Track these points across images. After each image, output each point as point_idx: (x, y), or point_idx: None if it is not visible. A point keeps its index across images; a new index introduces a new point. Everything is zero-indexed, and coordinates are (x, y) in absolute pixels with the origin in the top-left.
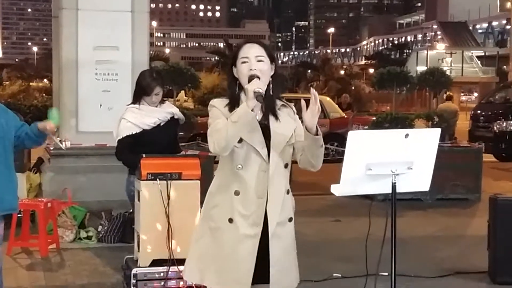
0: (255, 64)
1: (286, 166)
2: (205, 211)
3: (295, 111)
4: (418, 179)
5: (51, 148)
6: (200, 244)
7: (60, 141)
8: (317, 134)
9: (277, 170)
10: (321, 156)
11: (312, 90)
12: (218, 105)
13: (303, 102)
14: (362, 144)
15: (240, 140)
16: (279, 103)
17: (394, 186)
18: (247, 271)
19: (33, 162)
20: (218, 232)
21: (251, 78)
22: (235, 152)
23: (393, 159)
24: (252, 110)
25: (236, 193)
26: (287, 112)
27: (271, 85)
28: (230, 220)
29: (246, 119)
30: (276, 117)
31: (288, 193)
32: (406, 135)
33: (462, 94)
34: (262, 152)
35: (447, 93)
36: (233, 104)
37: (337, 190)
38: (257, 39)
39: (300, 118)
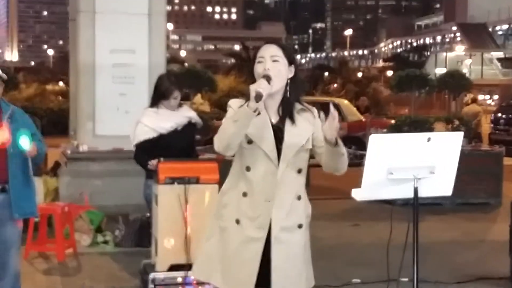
0: (269, 64)
1: (299, 171)
2: (217, 210)
3: (316, 115)
4: (441, 183)
5: (68, 152)
6: (210, 243)
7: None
8: (336, 144)
9: (286, 174)
10: (344, 162)
11: (332, 109)
12: (233, 105)
13: (322, 115)
14: (383, 147)
15: (251, 141)
16: (298, 106)
17: (416, 191)
18: (251, 273)
19: (50, 166)
20: (226, 232)
21: (260, 79)
22: (244, 153)
23: (415, 163)
24: (255, 111)
25: (244, 194)
26: (306, 116)
27: (288, 87)
28: (237, 221)
29: (246, 119)
30: (293, 121)
31: (299, 199)
32: (429, 139)
33: (482, 96)
34: (271, 155)
35: (468, 95)
36: None
37: (358, 194)
38: (277, 39)
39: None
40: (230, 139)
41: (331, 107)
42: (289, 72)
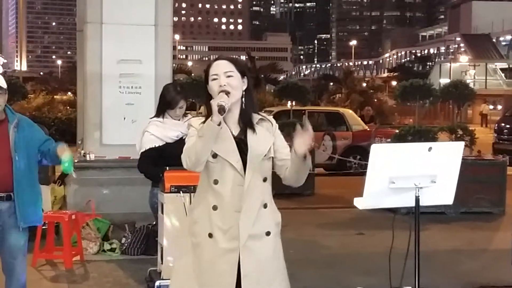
0: (224, 79)
1: (265, 180)
2: (188, 228)
3: (275, 125)
4: (442, 192)
5: (75, 161)
6: (184, 261)
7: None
8: (305, 159)
9: (253, 183)
10: (305, 175)
11: (307, 124)
12: (194, 123)
13: (298, 127)
14: (385, 157)
15: (215, 155)
16: (256, 117)
17: (417, 200)
18: (229, 285)
19: (57, 174)
20: (199, 248)
21: (219, 93)
22: (211, 167)
23: (416, 172)
24: (219, 125)
25: (214, 208)
26: (265, 126)
27: (244, 99)
28: (210, 235)
29: (212, 133)
30: (253, 131)
31: (265, 207)
32: (430, 149)
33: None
34: (236, 166)
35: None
36: None
37: (360, 203)
38: (226, 56)
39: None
40: (198, 154)
41: (306, 121)
42: (243, 84)
